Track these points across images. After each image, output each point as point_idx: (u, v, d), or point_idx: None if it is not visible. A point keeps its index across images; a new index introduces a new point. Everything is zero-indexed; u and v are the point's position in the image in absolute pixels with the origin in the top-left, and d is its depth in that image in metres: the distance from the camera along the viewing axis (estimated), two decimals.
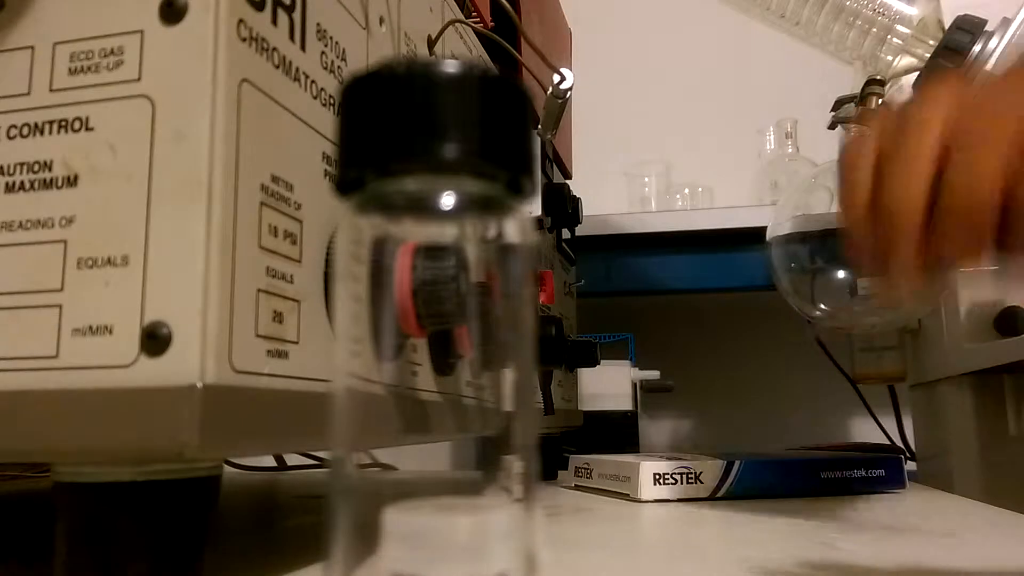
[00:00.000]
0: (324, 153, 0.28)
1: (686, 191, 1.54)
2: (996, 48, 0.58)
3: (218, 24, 0.22)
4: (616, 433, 1.11)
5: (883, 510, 0.49)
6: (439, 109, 0.14)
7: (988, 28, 0.59)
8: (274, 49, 0.25)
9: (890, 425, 0.97)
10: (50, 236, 0.22)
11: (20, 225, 0.23)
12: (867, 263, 0.29)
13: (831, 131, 0.80)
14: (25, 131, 0.23)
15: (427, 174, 0.15)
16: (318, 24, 0.28)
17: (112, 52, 0.23)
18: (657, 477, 0.51)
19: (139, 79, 0.22)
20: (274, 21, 0.25)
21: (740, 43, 1.60)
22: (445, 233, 0.19)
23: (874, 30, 1.53)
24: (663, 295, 1.31)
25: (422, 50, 0.40)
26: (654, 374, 1.21)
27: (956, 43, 0.59)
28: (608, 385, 1.12)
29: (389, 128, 0.15)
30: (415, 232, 0.18)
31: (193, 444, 0.20)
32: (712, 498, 0.51)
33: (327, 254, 0.27)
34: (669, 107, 1.61)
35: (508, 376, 0.16)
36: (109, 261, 0.22)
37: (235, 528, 0.44)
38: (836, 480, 0.54)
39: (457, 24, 0.45)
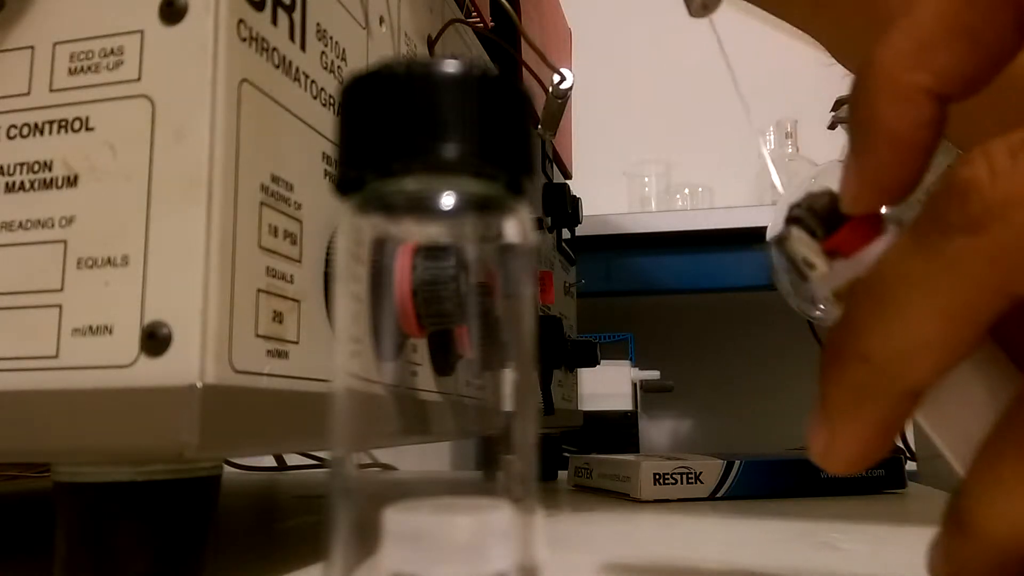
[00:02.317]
0: (324, 153, 0.28)
1: (686, 191, 1.54)
2: None
3: (218, 24, 0.22)
4: (616, 433, 1.11)
5: (883, 510, 0.49)
6: (439, 109, 0.15)
7: None
8: (274, 49, 0.25)
9: None
10: (50, 236, 0.22)
11: (20, 225, 0.23)
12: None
13: (831, 131, 0.80)
14: (25, 131, 0.23)
15: (427, 174, 0.15)
16: (318, 24, 0.28)
17: (112, 52, 0.23)
18: (657, 477, 0.51)
19: (139, 79, 0.22)
20: (274, 21, 0.25)
21: (740, 43, 1.60)
22: (445, 233, 0.19)
23: None
24: (663, 295, 1.31)
25: (422, 50, 0.40)
26: (654, 374, 1.21)
27: None
28: (608, 385, 1.13)
29: (389, 128, 0.15)
30: (415, 232, 0.19)
31: (193, 444, 0.20)
32: (712, 498, 0.51)
33: (327, 254, 0.27)
34: (669, 107, 1.62)
35: (508, 376, 0.16)
36: (109, 261, 0.22)
37: (235, 528, 0.44)
38: (836, 480, 0.54)
39: (457, 24, 0.45)
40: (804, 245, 0.19)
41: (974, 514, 0.16)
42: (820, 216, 0.19)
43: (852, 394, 0.17)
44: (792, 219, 0.20)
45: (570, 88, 0.56)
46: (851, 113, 0.19)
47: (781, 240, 0.20)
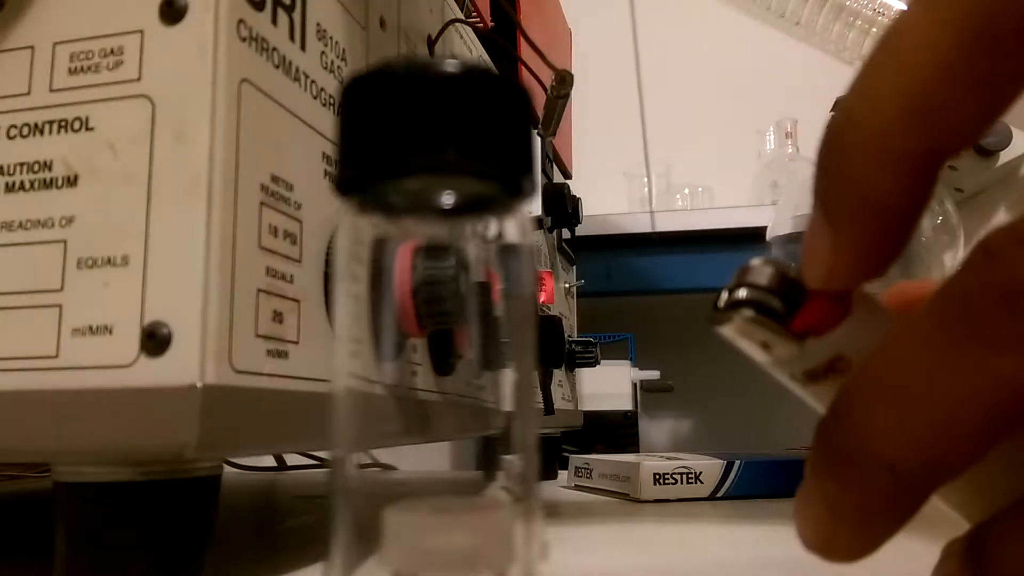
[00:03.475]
0: (324, 153, 0.28)
1: (686, 191, 1.54)
2: None
3: (218, 24, 0.22)
4: (616, 433, 1.11)
5: None
6: (439, 109, 0.14)
7: None
8: (274, 49, 0.25)
9: None
10: (50, 236, 0.22)
11: (20, 225, 0.23)
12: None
13: None
14: (25, 131, 0.23)
15: (427, 174, 0.15)
16: (318, 24, 0.28)
17: (112, 52, 0.23)
18: (657, 477, 0.51)
19: (139, 79, 0.22)
20: (274, 21, 0.25)
21: (740, 43, 1.60)
22: (445, 233, 0.19)
23: (874, 30, 1.53)
24: (663, 295, 1.31)
25: (422, 50, 0.40)
26: (654, 374, 1.21)
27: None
28: (608, 385, 1.13)
29: (389, 128, 0.15)
30: (415, 232, 0.18)
31: (193, 444, 0.20)
32: (712, 498, 0.51)
33: (327, 254, 0.27)
34: (669, 107, 1.61)
35: (508, 376, 0.16)
36: (109, 261, 0.22)
37: (235, 528, 0.44)
38: None
39: (457, 24, 0.45)
40: (763, 328, 0.17)
41: (1010, 570, 0.15)
42: (779, 294, 0.17)
43: (872, 503, 0.16)
44: (738, 302, 0.17)
45: (570, 88, 0.56)
46: (821, 177, 0.16)
47: (721, 323, 0.17)
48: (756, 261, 0.17)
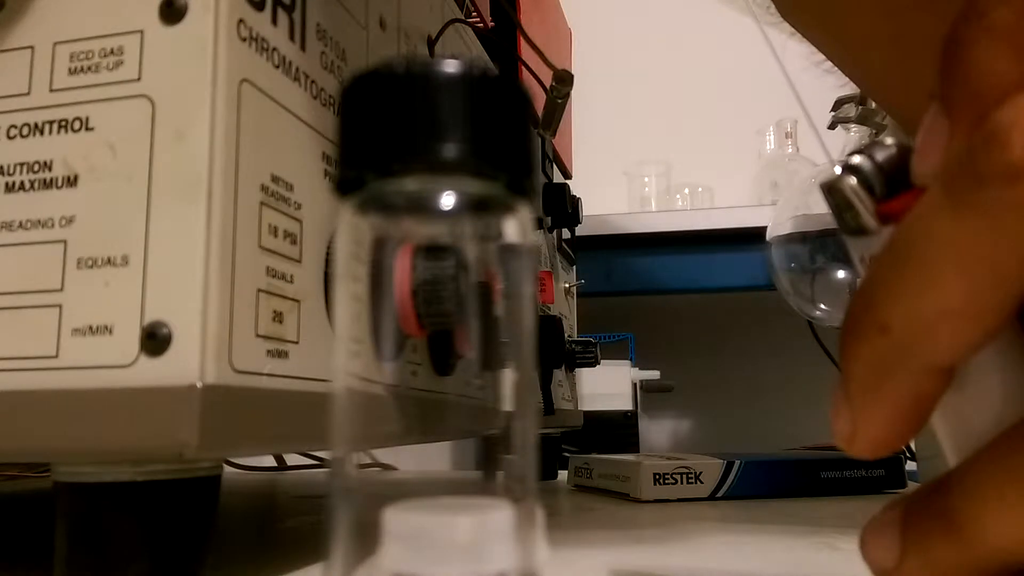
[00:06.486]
0: (324, 153, 0.28)
1: (686, 191, 1.54)
2: None
3: (218, 24, 0.22)
4: (616, 433, 1.11)
5: None
6: (439, 109, 0.14)
7: None
8: (274, 49, 0.25)
9: None
10: (50, 236, 0.22)
11: (20, 225, 0.23)
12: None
13: (831, 131, 0.80)
14: (25, 131, 0.23)
15: (427, 174, 0.15)
16: (318, 24, 0.28)
17: (112, 52, 0.23)
18: (657, 477, 0.51)
19: (139, 79, 0.22)
20: (274, 21, 0.25)
21: (740, 43, 1.60)
22: (445, 233, 0.19)
23: None
24: (663, 295, 1.31)
25: (422, 50, 0.40)
26: (654, 374, 1.21)
27: None
28: (608, 385, 1.13)
29: (389, 128, 0.15)
30: (415, 232, 0.18)
31: (193, 444, 0.20)
32: (712, 498, 0.51)
33: (327, 254, 0.27)
34: (669, 107, 1.62)
35: (508, 376, 0.16)
36: (109, 261, 0.22)
37: (235, 528, 0.44)
38: (836, 480, 0.54)
39: (457, 24, 0.45)
40: (857, 199, 0.17)
41: (975, 520, 0.15)
42: (885, 172, 0.17)
43: (871, 370, 0.16)
44: (851, 167, 0.17)
45: (570, 88, 0.56)
46: (946, 68, 0.15)
47: (831, 187, 0.18)
48: (890, 139, 0.18)
